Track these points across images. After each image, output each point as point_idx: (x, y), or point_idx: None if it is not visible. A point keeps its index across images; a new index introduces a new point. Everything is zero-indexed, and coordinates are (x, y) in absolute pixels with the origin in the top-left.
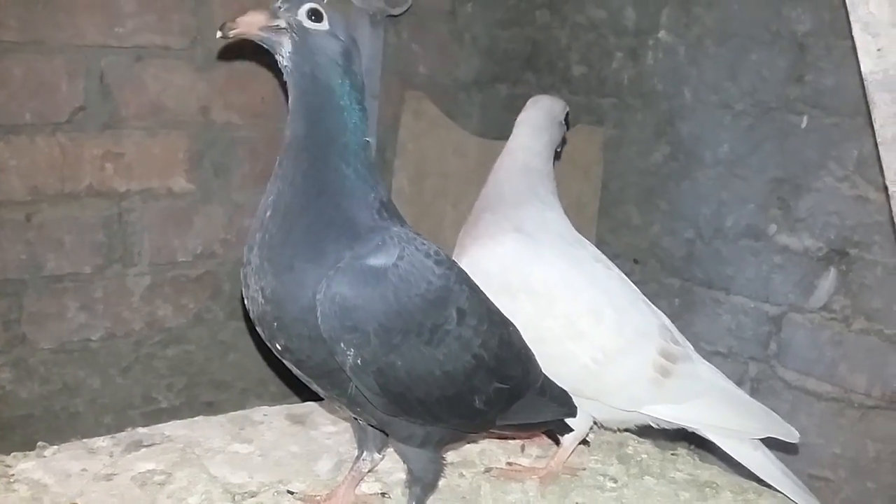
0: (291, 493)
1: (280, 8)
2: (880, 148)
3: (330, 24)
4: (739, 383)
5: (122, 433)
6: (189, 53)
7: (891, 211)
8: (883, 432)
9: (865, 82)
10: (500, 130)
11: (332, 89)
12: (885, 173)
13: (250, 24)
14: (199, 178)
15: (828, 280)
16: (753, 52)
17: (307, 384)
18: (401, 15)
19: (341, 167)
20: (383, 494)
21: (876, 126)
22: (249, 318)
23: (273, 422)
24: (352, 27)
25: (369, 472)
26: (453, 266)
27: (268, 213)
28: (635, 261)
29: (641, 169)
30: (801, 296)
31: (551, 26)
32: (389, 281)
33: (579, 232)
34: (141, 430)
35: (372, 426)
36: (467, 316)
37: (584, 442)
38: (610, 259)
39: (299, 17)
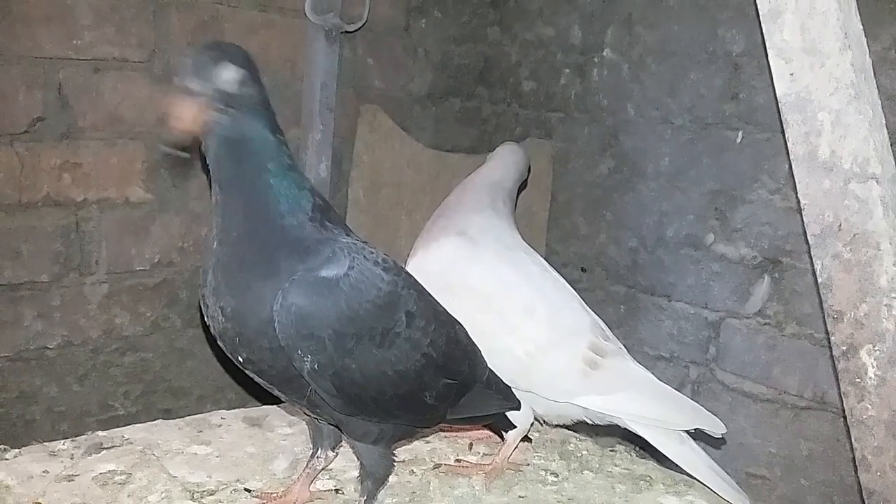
0: (249, 490)
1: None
2: (793, 164)
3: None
4: (681, 386)
5: (82, 437)
6: (147, 66)
7: (803, 223)
8: (814, 431)
9: (780, 104)
10: (453, 143)
11: (253, 132)
12: (798, 187)
13: (192, 120)
14: (156, 188)
15: (762, 287)
16: (692, 71)
17: (268, 390)
18: (356, 31)
19: (273, 188)
20: (337, 491)
21: (789, 144)
22: (207, 326)
23: (231, 424)
24: (308, 41)
25: (323, 468)
26: (401, 272)
27: (215, 244)
28: (583, 269)
29: (588, 181)
30: (738, 302)
31: (502, 43)
32: (341, 290)
33: (529, 242)
34: (101, 433)
35: (330, 425)
36: (416, 318)
37: (528, 440)
38: (558, 267)
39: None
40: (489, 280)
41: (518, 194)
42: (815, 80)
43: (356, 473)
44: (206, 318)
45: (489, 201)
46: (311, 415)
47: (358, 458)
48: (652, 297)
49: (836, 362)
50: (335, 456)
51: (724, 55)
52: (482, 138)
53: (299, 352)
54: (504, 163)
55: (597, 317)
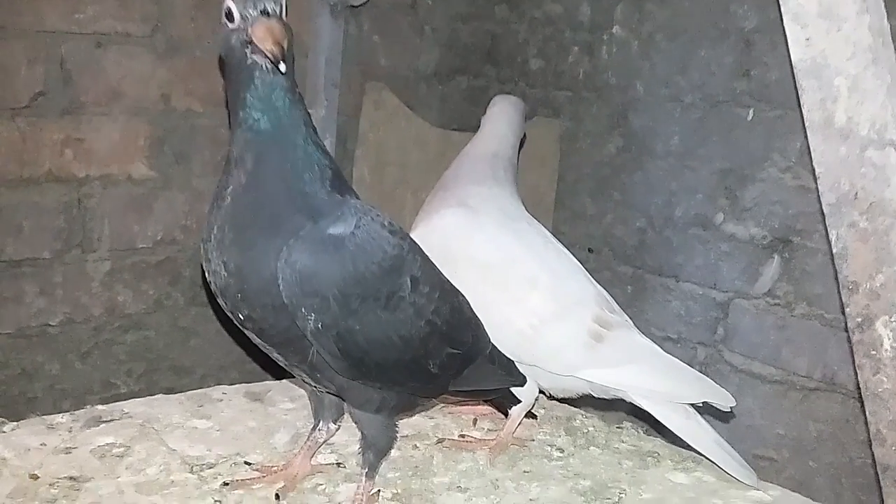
0: (249, 464)
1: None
2: (808, 132)
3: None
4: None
5: (81, 410)
6: (150, 40)
7: (818, 193)
8: (823, 413)
9: (795, 70)
10: (459, 122)
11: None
12: (812, 155)
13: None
14: (159, 165)
15: (772, 267)
16: (702, 48)
17: (267, 353)
18: (361, 6)
19: (299, 148)
20: (339, 464)
21: (804, 111)
22: (210, 302)
23: (232, 399)
24: (313, 16)
25: (325, 442)
26: (406, 237)
27: (228, 199)
28: (590, 250)
29: (596, 160)
30: (747, 282)
31: (510, 21)
32: (347, 249)
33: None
34: (100, 407)
35: (330, 394)
36: (420, 284)
37: (533, 416)
38: (565, 248)
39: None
40: (491, 250)
41: (520, 149)
42: (831, 44)
43: (358, 447)
44: (206, 274)
45: (490, 172)
46: (312, 382)
47: (359, 429)
48: (660, 277)
49: (851, 334)
50: (337, 429)
51: (736, 31)
52: None
53: (303, 310)
54: (500, 127)
55: (602, 289)
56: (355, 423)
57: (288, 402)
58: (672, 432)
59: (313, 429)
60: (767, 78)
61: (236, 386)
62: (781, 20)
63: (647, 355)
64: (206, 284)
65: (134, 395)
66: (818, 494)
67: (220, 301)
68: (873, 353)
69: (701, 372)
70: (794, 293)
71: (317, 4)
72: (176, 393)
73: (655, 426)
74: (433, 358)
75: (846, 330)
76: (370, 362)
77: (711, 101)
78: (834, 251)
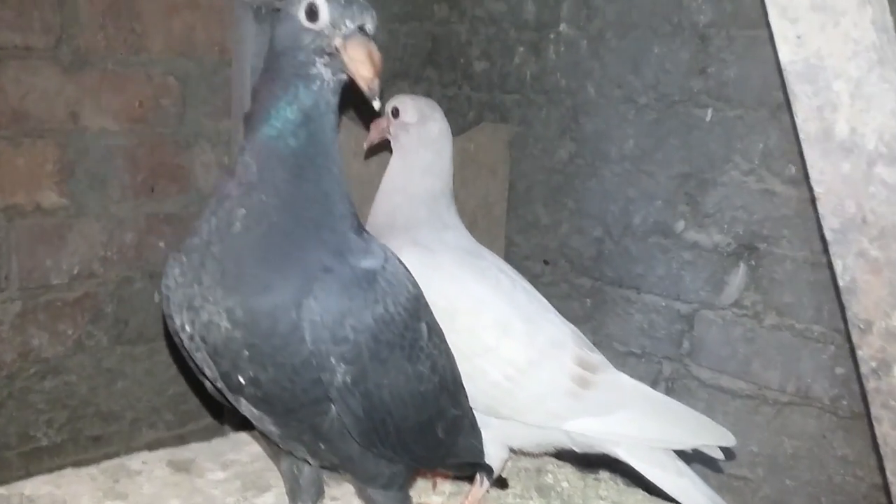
0: None
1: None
2: (803, 145)
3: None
4: (654, 384)
5: None
6: (54, 54)
7: (816, 213)
8: (798, 428)
9: (785, 73)
10: None
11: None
12: (810, 172)
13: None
14: (71, 192)
15: (738, 276)
16: (655, 45)
17: (256, 422)
18: None
19: (335, 177)
20: None
21: (798, 121)
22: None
23: (153, 470)
24: (236, 21)
25: None
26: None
27: (237, 227)
28: (545, 262)
29: (548, 167)
30: (712, 292)
31: (450, 20)
32: (379, 285)
33: (487, 234)
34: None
35: (325, 468)
36: (433, 331)
37: (502, 483)
38: (519, 261)
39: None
40: (453, 293)
41: None
42: (827, 42)
43: None
44: (183, 330)
45: (428, 214)
46: (308, 456)
47: None
48: (620, 289)
49: (865, 381)
50: None
51: (690, 27)
52: None
53: (332, 360)
54: (426, 155)
55: (574, 327)
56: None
57: (218, 470)
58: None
59: None
60: (725, 76)
61: (158, 453)
62: (765, 14)
63: (638, 398)
64: (169, 338)
65: (57, 447)
66: None
67: (208, 362)
68: (893, 403)
69: (667, 388)
70: (762, 303)
71: (239, 8)
72: (103, 441)
73: (633, 474)
74: (442, 419)
75: (858, 376)
76: (390, 425)
77: (667, 102)
78: (840, 284)
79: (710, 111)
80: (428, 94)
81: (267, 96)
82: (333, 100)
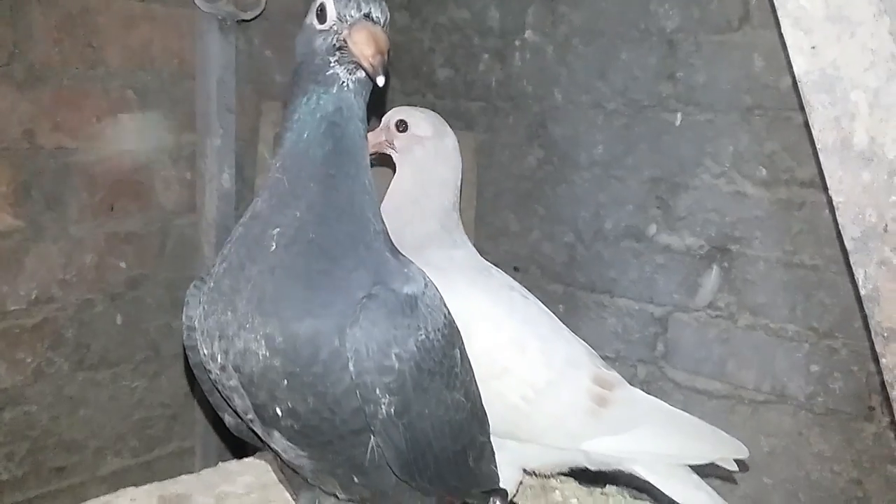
0: None
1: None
2: (820, 154)
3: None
4: None
5: None
6: (7, 70)
7: (836, 224)
8: (775, 427)
9: (800, 84)
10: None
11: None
12: (828, 181)
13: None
14: (27, 213)
15: (711, 278)
16: (623, 50)
17: (282, 453)
18: (252, 20)
19: (366, 189)
20: None
21: (815, 132)
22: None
23: None
24: (201, 33)
25: None
26: None
27: (274, 246)
28: (516, 268)
29: (516, 174)
30: (686, 295)
31: (412, 28)
32: (421, 311)
33: None
34: None
35: (351, 501)
36: (464, 357)
37: None
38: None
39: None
40: (469, 315)
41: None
42: (843, 52)
43: None
44: (214, 360)
45: (445, 222)
46: (338, 490)
47: None
48: (593, 294)
49: (889, 389)
50: None
51: (658, 32)
52: None
53: (377, 391)
54: (443, 170)
55: (586, 344)
56: None
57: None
58: (661, 492)
59: None
60: (694, 80)
61: (146, 487)
62: (778, 25)
63: (655, 414)
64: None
65: (18, 481)
66: None
67: (241, 394)
68: None
69: (643, 391)
70: (736, 304)
71: (202, 19)
72: (67, 472)
73: (639, 486)
74: (473, 448)
75: (882, 385)
76: (430, 456)
77: (636, 107)
78: (862, 293)
79: (679, 115)
80: (391, 104)
81: (290, 108)
82: (357, 104)
